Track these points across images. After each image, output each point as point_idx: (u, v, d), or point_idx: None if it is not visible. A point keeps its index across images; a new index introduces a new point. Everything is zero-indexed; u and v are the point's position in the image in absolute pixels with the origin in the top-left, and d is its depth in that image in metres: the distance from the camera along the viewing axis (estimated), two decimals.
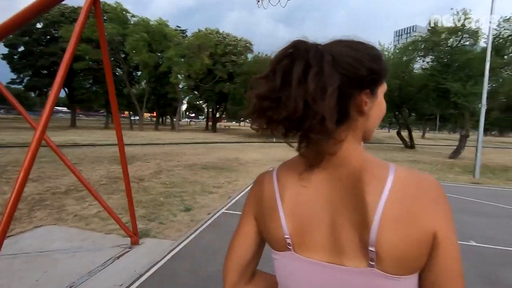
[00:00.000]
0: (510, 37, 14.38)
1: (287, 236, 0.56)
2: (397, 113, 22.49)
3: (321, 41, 0.54)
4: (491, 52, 13.45)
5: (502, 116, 28.16)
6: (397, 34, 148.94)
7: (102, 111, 48.31)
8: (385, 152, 17.23)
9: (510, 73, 16.30)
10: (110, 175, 7.11)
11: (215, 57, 30.99)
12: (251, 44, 36.43)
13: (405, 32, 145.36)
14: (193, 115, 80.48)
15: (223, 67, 31.75)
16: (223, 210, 4.82)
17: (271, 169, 0.65)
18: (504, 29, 14.41)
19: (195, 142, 18.87)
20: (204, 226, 4.07)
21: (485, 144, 22.05)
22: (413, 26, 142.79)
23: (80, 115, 57.36)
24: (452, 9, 15.49)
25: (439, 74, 15.45)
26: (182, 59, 29.60)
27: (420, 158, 14.82)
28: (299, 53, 0.49)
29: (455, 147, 16.63)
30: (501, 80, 16.43)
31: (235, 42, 34.13)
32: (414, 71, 18.84)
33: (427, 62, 17.63)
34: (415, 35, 18.55)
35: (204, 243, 3.53)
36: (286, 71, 0.48)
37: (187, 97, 38.84)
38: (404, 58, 18.18)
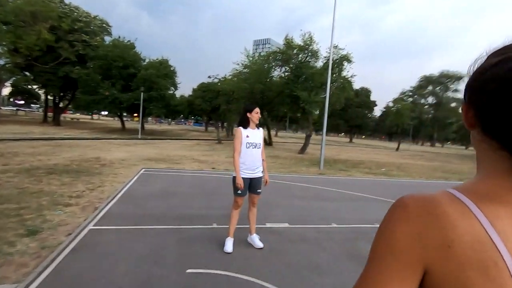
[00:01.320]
0: (337, 60, 18.76)
1: None
2: None
3: None
4: (325, 70, 17.21)
5: (327, 120, 36.79)
6: (256, 44, 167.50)
7: None
8: None
9: (337, 87, 21.28)
10: None
11: (58, 32, 24.89)
12: (109, 26, 31.58)
13: (262, 43, 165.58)
14: (22, 102, 62.00)
15: (70, 47, 25.98)
16: (90, 227, 3.82)
17: (440, 192, 0.46)
18: (334, 54, 18.69)
19: (31, 138, 14.47)
20: (64, 253, 3.05)
21: (317, 142, 28.13)
22: (268, 39, 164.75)
23: None
24: (301, 30, 19.04)
25: (292, 83, 18.37)
26: (5, 27, 22.11)
27: (278, 154, 17.13)
28: None
29: (302, 144, 20.27)
30: (331, 92, 21.28)
31: (88, 19, 28.62)
32: (274, 78, 21.58)
33: (283, 72, 20.62)
34: (269, 47, 21.41)
35: (69, 277, 2.63)
36: None
37: (13, 78, 29.44)
38: (266, 65, 20.51)
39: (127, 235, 3.62)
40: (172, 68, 30.16)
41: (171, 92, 31.32)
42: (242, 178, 3.32)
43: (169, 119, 66.49)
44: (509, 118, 0.41)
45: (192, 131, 44.05)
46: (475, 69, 0.49)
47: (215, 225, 4.22)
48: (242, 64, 22.09)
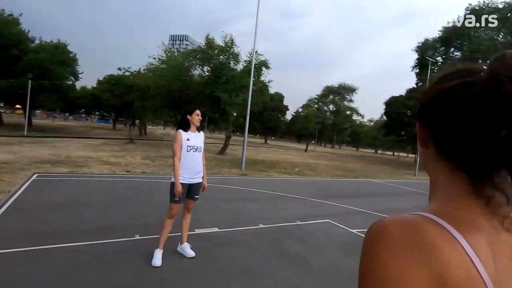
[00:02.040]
0: (256, 65, 19.57)
1: None
2: (176, 112, 24.06)
3: None
4: (245, 73, 17.78)
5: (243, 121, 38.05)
6: (172, 39, 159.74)
7: None
8: (168, 150, 17.91)
9: (255, 90, 22.16)
10: None
11: None
12: None
13: (179, 39, 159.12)
14: None
15: None
16: None
17: (418, 217, 0.42)
18: (254, 59, 19.46)
19: None
20: None
21: (235, 142, 28.76)
22: (186, 35, 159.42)
23: None
24: (223, 31, 19.24)
25: (213, 83, 18.24)
26: None
27: None
28: None
29: (221, 145, 20.34)
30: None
31: None
32: (194, 76, 20.98)
33: (204, 72, 20.28)
34: (187, 44, 20.80)
35: None
36: None
37: None
38: (186, 63, 19.79)
39: (24, 259, 2.91)
40: (72, 55, 26.05)
41: (70, 82, 27.02)
42: (182, 184, 3.11)
43: (67, 114, 56.93)
44: (467, 140, 0.42)
45: (96, 128, 38.82)
46: (426, 91, 0.50)
47: (137, 237, 3.82)
48: (159, 58, 20.77)
